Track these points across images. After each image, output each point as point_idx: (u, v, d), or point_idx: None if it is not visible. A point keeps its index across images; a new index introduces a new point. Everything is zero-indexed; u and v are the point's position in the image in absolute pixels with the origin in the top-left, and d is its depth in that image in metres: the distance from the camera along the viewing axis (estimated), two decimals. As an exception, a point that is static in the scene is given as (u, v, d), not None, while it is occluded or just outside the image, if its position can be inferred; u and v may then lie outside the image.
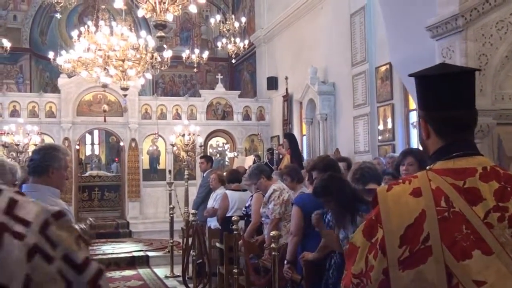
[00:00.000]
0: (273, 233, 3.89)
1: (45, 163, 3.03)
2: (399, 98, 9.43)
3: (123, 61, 8.23)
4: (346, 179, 3.49)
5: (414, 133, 9.32)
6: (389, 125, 9.59)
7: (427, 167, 1.54)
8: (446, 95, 1.54)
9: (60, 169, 3.09)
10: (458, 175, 1.46)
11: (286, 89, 13.71)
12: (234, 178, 7.29)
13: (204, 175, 8.92)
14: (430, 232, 1.40)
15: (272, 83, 14.69)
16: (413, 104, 9.31)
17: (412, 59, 3.29)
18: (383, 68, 9.71)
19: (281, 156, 11.63)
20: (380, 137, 9.87)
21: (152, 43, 8.97)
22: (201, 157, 9.88)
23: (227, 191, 7.03)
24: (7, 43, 12.98)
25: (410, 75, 1.68)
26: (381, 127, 9.83)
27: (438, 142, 1.56)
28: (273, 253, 3.72)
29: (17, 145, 12.01)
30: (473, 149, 1.54)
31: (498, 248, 1.37)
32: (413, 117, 9.33)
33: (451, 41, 2.92)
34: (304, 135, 13.01)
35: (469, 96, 1.57)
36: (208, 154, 14.27)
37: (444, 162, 1.51)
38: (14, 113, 13.47)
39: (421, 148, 8.57)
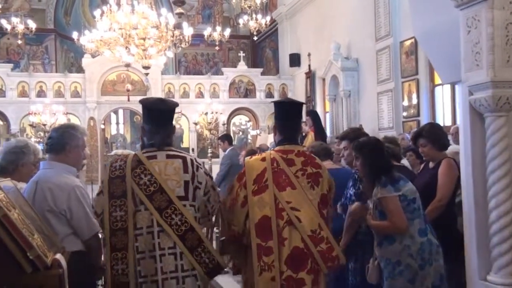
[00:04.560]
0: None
1: (63, 141, 3.07)
2: (424, 73, 9.23)
3: (144, 39, 8.24)
4: (385, 151, 3.45)
5: (440, 109, 9.14)
6: (414, 101, 9.41)
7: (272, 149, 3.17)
8: (285, 114, 3.15)
9: (78, 147, 3.13)
10: (285, 153, 3.02)
11: (309, 65, 13.56)
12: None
13: (226, 153, 8.94)
14: (268, 178, 2.92)
15: (295, 60, 14.54)
16: (438, 79, 9.10)
17: (436, 31, 3.18)
18: (408, 42, 9.48)
19: (304, 134, 11.57)
20: (404, 113, 9.71)
21: (172, 21, 8.94)
22: (218, 138, 9.88)
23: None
24: (32, 24, 13.14)
25: (276, 102, 3.24)
26: (405, 103, 9.65)
27: (279, 136, 3.13)
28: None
29: (44, 125, 12.24)
30: (295, 141, 3.13)
31: (299, 187, 2.91)
32: (439, 92, 9.14)
33: (477, 10, 2.81)
34: (327, 112, 12.88)
35: (296, 116, 3.19)
36: (231, 132, 14.29)
37: (280, 147, 3.08)
38: (41, 94, 13.69)
39: (441, 123, 8.40)
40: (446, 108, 8.97)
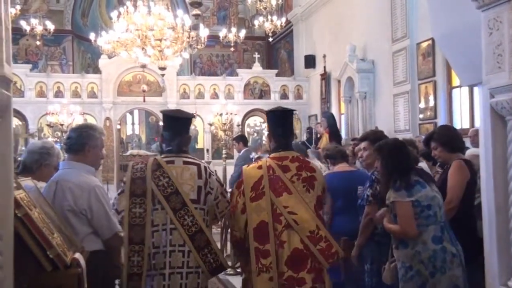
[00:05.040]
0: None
1: (82, 141, 3.10)
2: (441, 75, 9.14)
3: (160, 40, 8.29)
4: (409, 153, 3.42)
5: (457, 111, 9.04)
6: (431, 103, 9.32)
7: (268, 156, 3.33)
8: (277, 122, 3.28)
9: (96, 147, 3.15)
10: (280, 160, 3.17)
11: (324, 67, 13.51)
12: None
13: (241, 154, 8.95)
14: (264, 185, 3.08)
15: (310, 61, 14.50)
16: (456, 81, 9.01)
17: (456, 32, 3.14)
18: (425, 44, 9.40)
19: (319, 135, 11.53)
20: (421, 115, 9.62)
21: (188, 22, 8.97)
22: (233, 139, 9.90)
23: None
24: (50, 26, 13.30)
25: (268, 111, 3.42)
26: (422, 105, 9.57)
27: (273, 144, 3.28)
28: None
29: (62, 124, 12.37)
30: (289, 148, 3.25)
31: (295, 191, 3.07)
32: (456, 94, 9.05)
33: (499, 12, 2.77)
34: (343, 113, 12.83)
35: (288, 123, 3.32)
36: (246, 133, 14.29)
37: (275, 154, 3.22)
38: (58, 94, 13.85)
39: (459, 126, 8.32)
40: (464, 110, 8.88)
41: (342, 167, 4.46)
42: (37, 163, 3.28)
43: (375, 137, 3.92)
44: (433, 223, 3.16)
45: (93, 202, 2.96)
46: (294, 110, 3.52)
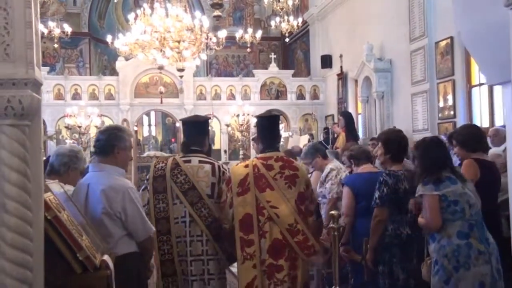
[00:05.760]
0: (333, 212, 3.84)
1: (111, 143, 3.10)
2: (460, 74, 9.03)
3: (178, 42, 8.32)
4: (445, 151, 3.48)
5: (477, 110, 8.93)
6: (450, 102, 9.22)
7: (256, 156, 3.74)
8: (265, 126, 3.66)
9: (125, 149, 3.16)
10: (265, 159, 3.49)
11: (341, 67, 13.45)
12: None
13: (259, 154, 8.94)
14: (250, 181, 3.39)
15: (326, 61, 14.44)
16: (476, 79, 8.90)
17: (483, 30, 3.10)
18: (443, 43, 9.30)
19: (336, 135, 11.48)
20: (440, 115, 9.52)
21: (207, 23, 9.00)
22: (252, 139, 9.93)
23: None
24: (68, 28, 13.45)
25: (257, 116, 3.87)
26: (441, 104, 9.47)
27: (261, 145, 3.62)
28: (333, 233, 3.68)
29: (79, 127, 12.49)
30: (274, 148, 3.60)
31: (277, 188, 3.38)
32: (476, 93, 8.93)
33: (527, 10, 2.73)
34: (360, 113, 12.75)
35: (274, 126, 3.74)
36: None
37: (262, 154, 3.56)
38: (76, 96, 13.97)
39: (478, 125, 8.21)
40: (484, 109, 8.76)
41: (366, 168, 4.43)
42: (65, 166, 3.30)
43: (385, 136, 4.06)
44: (460, 219, 3.19)
45: (127, 205, 2.96)
46: (279, 115, 4.15)
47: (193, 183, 3.40)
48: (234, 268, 6.16)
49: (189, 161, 3.51)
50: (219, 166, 3.56)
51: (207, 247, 3.39)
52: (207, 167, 3.50)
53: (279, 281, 3.29)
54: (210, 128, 14.06)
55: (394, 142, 3.94)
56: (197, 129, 3.70)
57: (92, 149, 3.28)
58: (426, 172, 3.31)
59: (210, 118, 4.21)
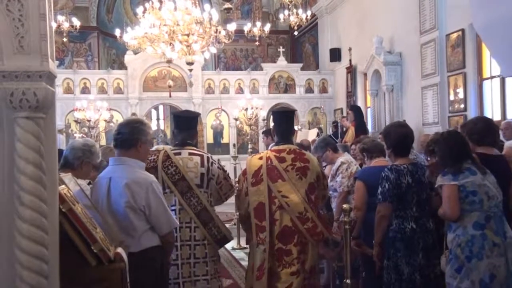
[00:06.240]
0: (344, 206, 3.82)
1: (134, 137, 3.06)
2: (471, 66, 8.93)
3: (188, 35, 8.29)
4: (464, 143, 3.53)
5: (488, 103, 8.84)
6: (461, 95, 9.14)
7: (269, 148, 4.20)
8: (282, 120, 3.91)
9: (147, 142, 3.14)
10: (278, 152, 3.75)
11: (350, 60, 13.38)
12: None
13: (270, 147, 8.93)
14: (263, 172, 3.67)
15: (335, 54, 14.37)
16: (487, 72, 8.81)
17: (499, 23, 3.07)
18: (454, 35, 9.21)
19: (345, 129, 11.44)
20: (450, 108, 9.44)
21: (216, 16, 8.96)
22: (263, 133, 9.94)
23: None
24: (76, 22, 13.46)
25: (273, 111, 3.98)
26: (451, 97, 9.39)
27: (276, 138, 3.89)
28: (345, 226, 3.66)
29: (89, 120, 12.53)
30: (288, 141, 3.84)
31: (288, 179, 3.64)
32: (487, 86, 8.84)
33: (544, 0, 2.68)
34: (369, 107, 12.68)
35: (290, 121, 3.96)
36: (271, 127, 14.25)
37: (276, 147, 3.81)
38: (85, 90, 14.01)
39: (489, 116, 8.13)
40: (495, 102, 8.68)
41: (379, 161, 4.40)
42: (79, 160, 3.30)
43: (385, 130, 4.24)
44: (477, 209, 3.21)
45: (151, 199, 2.96)
46: (295, 110, 4.37)
47: (183, 174, 3.61)
48: (235, 252, 6.44)
49: (179, 153, 3.75)
50: (208, 157, 3.80)
51: (195, 233, 3.62)
52: (196, 158, 3.75)
53: (288, 263, 3.60)
54: (218, 122, 14.08)
55: (393, 136, 3.87)
56: (189, 124, 3.95)
57: (106, 142, 3.26)
58: (446, 163, 3.35)
59: (199, 114, 4.50)
